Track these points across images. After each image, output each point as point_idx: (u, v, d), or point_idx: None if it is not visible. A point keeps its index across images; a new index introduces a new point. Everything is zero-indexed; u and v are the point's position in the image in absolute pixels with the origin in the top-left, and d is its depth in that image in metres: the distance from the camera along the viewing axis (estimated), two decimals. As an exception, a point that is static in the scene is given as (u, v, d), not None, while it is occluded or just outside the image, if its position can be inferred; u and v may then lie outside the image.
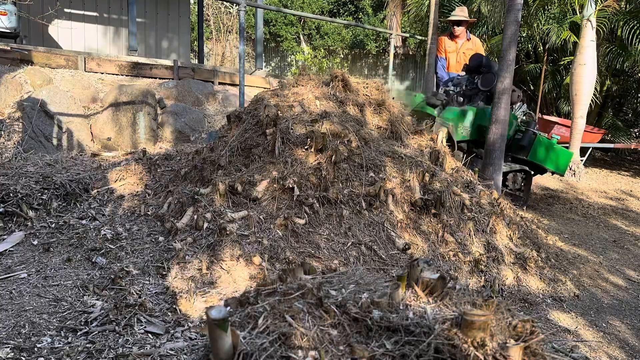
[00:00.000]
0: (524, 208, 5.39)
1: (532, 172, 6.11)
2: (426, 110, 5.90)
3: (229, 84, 7.94)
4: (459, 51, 6.82)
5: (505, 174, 5.73)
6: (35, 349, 2.18)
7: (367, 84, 4.41)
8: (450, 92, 6.24)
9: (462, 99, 6.09)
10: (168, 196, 3.87)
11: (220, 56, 15.89)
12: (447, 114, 5.82)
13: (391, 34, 10.62)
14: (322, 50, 13.19)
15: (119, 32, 10.01)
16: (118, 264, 3.04)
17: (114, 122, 6.16)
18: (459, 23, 6.78)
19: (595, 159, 10.41)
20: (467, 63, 6.32)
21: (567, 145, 8.59)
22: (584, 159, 8.69)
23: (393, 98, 4.99)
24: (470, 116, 5.80)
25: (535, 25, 9.27)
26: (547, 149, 5.98)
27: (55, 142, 5.66)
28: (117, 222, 3.63)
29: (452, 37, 6.90)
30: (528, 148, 5.90)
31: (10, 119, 5.44)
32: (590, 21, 8.05)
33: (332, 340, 1.10)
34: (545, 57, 9.54)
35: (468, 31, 6.94)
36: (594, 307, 3.62)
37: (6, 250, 3.17)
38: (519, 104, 6.94)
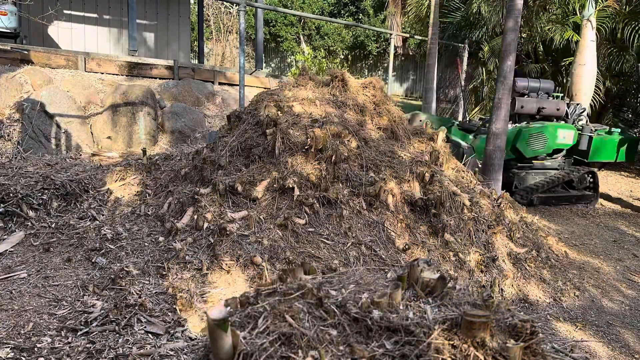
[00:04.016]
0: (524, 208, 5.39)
1: None
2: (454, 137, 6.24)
3: (229, 84, 7.94)
4: None
5: None
6: (35, 349, 2.18)
7: (366, 84, 4.41)
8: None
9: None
10: (168, 196, 3.87)
11: (220, 56, 15.90)
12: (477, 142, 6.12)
13: (391, 35, 10.62)
14: (322, 50, 13.20)
15: (119, 33, 10.01)
16: (118, 264, 3.03)
17: (114, 122, 6.16)
18: None
19: (595, 159, 10.39)
20: None
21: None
22: (584, 159, 8.69)
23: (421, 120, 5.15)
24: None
25: (536, 25, 9.25)
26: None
27: (55, 142, 5.66)
28: (117, 222, 3.63)
29: None
30: (588, 151, 6.20)
31: (10, 119, 5.44)
32: (590, 21, 8.06)
33: (332, 340, 1.10)
34: (543, 56, 9.55)
35: None
36: (595, 307, 3.62)
37: (6, 250, 3.17)
38: None
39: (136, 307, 2.52)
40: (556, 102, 6.41)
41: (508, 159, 5.86)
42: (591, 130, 6.35)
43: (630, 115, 11.68)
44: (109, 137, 6.13)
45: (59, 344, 2.23)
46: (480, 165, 5.57)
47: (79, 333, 2.32)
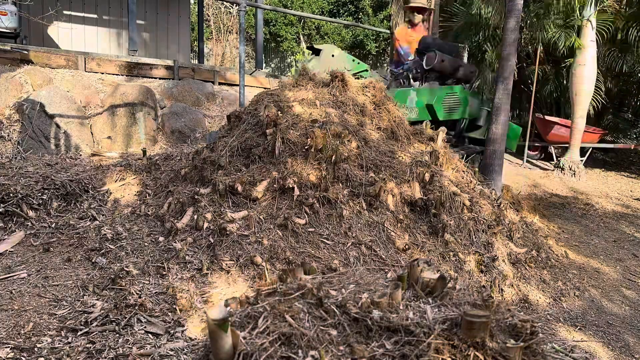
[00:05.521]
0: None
1: None
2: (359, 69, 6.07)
3: (229, 84, 7.94)
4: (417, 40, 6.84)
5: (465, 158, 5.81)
6: (35, 349, 2.18)
7: (366, 84, 4.41)
8: (401, 77, 6.35)
9: (413, 82, 6.16)
10: (168, 196, 3.87)
11: (220, 56, 15.90)
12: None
13: (390, 34, 10.61)
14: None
15: (118, 33, 10.01)
16: (118, 264, 3.03)
17: (114, 122, 6.16)
18: (419, 10, 6.80)
19: (596, 159, 10.40)
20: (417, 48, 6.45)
21: (567, 145, 8.60)
22: (584, 159, 8.68)
23: (333, 55, 5.03)
24: (412, 96, 5.78)
25: (538, 25, 9.23)
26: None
27: (55, 142, 5.65)
28: (117, 222, 3.63)
29: (412, 26, 6.91)
30: (485, 127, 6.01)
31: (10, 119, 5.44)
32: (590, 21, 8.06)
33: (332, 340, 1.10)
34: (538, 59, 9.52)
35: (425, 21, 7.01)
36: (595, 307, 3.62)
37: (6, 250, 3.17)
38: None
39: (136, 307, 2.52)
40: (470, 65, 6.46)
41: (420, 121, 5.70)
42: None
43: (630, 115, 11.69)
44: (108, 137, 6.13)
45: (59, 344, 2.23)
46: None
47: (79, 333, 2.32)
